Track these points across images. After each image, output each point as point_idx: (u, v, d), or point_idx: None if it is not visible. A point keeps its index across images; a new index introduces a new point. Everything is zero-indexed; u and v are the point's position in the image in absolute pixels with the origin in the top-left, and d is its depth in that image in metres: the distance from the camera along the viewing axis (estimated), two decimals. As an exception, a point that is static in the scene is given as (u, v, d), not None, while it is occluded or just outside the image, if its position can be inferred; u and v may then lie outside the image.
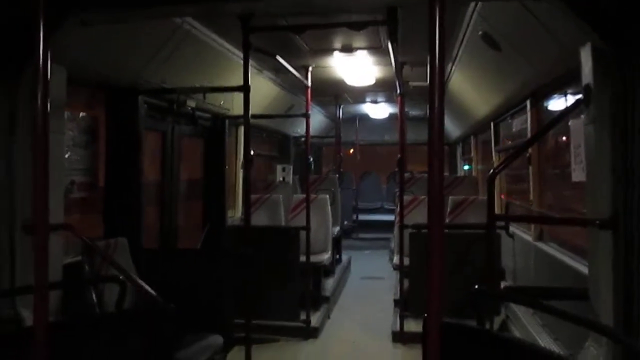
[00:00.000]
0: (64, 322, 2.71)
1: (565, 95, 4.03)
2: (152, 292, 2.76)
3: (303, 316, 5.63)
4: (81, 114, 3.80)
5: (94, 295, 3.19)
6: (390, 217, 10.35)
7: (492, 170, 3.07)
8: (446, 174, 10.55)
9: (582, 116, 2.80)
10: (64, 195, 3.30)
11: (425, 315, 1.33)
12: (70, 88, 3.31)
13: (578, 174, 3.09)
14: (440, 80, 1.30)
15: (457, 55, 4.98)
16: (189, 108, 4.85)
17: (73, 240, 3.44)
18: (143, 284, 2.84)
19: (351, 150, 13.39)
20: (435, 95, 1.29)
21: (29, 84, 2.77)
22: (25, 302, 2.73)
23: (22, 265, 2.76)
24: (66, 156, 3.51)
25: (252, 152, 4.17)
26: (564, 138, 4.00)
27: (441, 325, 1.32)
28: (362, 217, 12.40)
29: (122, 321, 2.66)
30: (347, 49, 5.27)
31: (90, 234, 3.79)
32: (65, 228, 2.98)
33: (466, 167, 10.04)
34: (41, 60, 1.55)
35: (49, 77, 1.55)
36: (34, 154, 1.55)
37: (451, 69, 5.63)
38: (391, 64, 4.78)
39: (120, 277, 2.83)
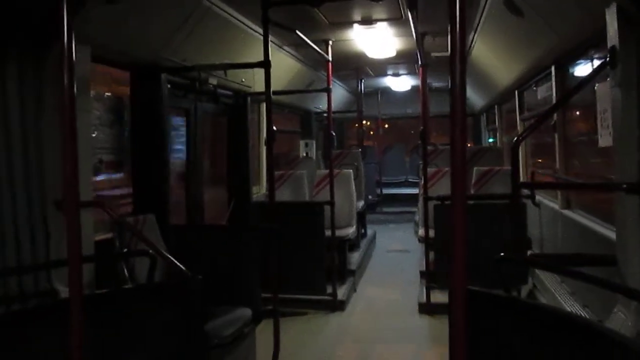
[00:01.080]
0: (97, 294, 2.80)
1: (592, 60, 3.93)
2: (180, 265, 2.82)
3: (329, 290, 5.70)
4: (106, 94, 3.86)
5: (125, 270, 3.28)
6: (414, 190, 10.33)
7: (516, 138, 3.04)
8: (470, 145, 10.44)
9: (608, 79, 2.74)
10: (93, 172, 3.38)
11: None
12: (95, 67, 3.37)
13: (605, 140, 3.04)
14: (461, 50, 1.28)
15: (478, 23, 4.88)
16: (211, 86, 4.88)
17: (103, 218, 3.53)
18: (171, 257, 2.90)
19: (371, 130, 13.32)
20: (457, 65, 1.28)
21: (55, 64, 2.83)
22: (59, 276, 2.83)
23: (56, 240, 2.85)
24: (93, 135, 3.58)
25: (274, 128, 4.19)
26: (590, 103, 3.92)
27: (466, 293, 1.34)
28: (386, 190, 12.38)
29: (153, 293, 2.74)
30: (367, 21, 5.21)
31: (119, 211, 3.88)
32: (96, 205, 3.06)
33: (490, 140, 9.90)
34: (65, 39, 1.58)
35: (74, 56, 1.59)
36: (62, 132, 1.59)
37: (473, 38, 5.53)
38: (412, 35, 4.73)
39: (150, 251, 2.90)
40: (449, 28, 1.28)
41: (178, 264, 2.86)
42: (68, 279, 1.66)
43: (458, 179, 1.31)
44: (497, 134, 8.60)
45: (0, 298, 2.58)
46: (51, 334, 2.12)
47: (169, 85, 4.30)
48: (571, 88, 3.68)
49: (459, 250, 1.31)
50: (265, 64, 3.80)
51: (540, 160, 6.12)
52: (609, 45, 2.56)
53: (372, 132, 14.22)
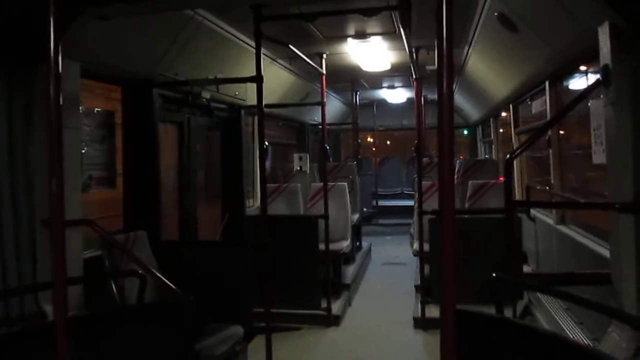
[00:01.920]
0: (85, 315, 2.75)
1: (586, 75, 3.93)
2: (171, 285, 2.78)
3: (324, 304, 5.64)
4: (97, 109, 3.82)
5: (114, 289, 3.24)
6: (410, 202, 10.29)
7: (509, 155, 3.01)
8: (462, 157, 10.44)
9: (602, 97, 2.73)
10: (82, 190, 3.34)
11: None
12: (86, 82, 3.34)
13: (599, 157, 3.02)
14: (448, 64, 1.27)
15: (473, 37, 4.89)
16: (204, 99, 4.86)
17: (92, 235, 3.49)
18: (162, 277, 2.86)
19: (369, 139, 13.32)
20: (444, 80, 1.27)
21: (44, 80, 2.80)
22: (47, 297, 2.78)
23: (43, 260, 2.80)
24: (83, 151, 3.54)
25: (266, 143, 4.16)
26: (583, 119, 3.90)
27: (457, 312, 1.31)
28: (382, 202, 12.35)
29: (143, 314, 2.69)
30: (361, 35, 5.21)
31: (110, 228, 3.83)
32: (84, 223, 3.02)
33: (488, 156, 9.90)
34: (52, 55, 1.55)
35: (60, 72, 1.56)
36: (49, 150, 1.57)
37: (468, 52, 5.54)
38: (406, 49, 4.72)
39: (140, 272, 2.86)
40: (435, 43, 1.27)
41: (169, 283, 2.81)
42: (53, 300, 1.62)
43: (447, 192, 1.28)
44: (493, 147, 8.60)
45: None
46: (39, 358, 2.07)
47: (161, 100, 4.28)
48: (565, 104, 3.67)
49: (449, 266, 1.28)
50: (258, 79, 3.78)
51: (535, 176, 6.11)
52: (602, 63, 2.54)
53: (369, 140, 14.18)
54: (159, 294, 3.50)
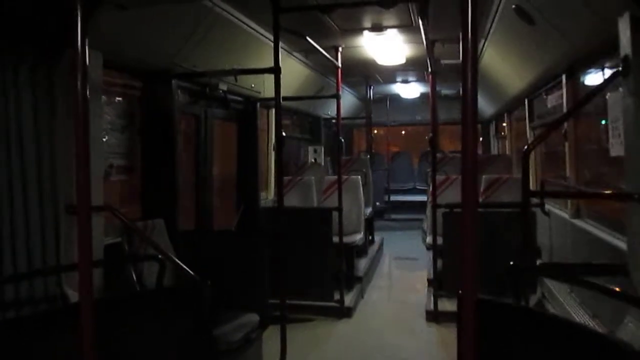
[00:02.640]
0: (106, 299, 2.81)
1: (603, 69, 3.92)
2: (189, 270, 2.83)
3: (337, 296, 5.68)
4: (117, 99, 3.88)
5: (134, 274, 3.30)
6: (423, 198, 10.30)
7: (526, 146, 3.02)
8: (479, 152, 10.40)
9: (620, 89, 2.73)
10: (104, 177, 3.40)
11: (460, 292, 1.34)
12: (106, 72, 3.40)
13: (616, 149, 3.02)
14: (473, 57, 1.29)
15: (489, 30, 4.88)
16: (221, 91, 4.90)
17: (112, 223, 3.55)
18: (179, 262, 2.91)
19: (382, 133, 13.30)
20: (469, 72, 1.28)
21: (67, 70, 2.86)
22: (69, 280, 2.84)
23: (66, 244, 2.86)
24: (104, 140, 3.60)
25: (283, 134, 4.20)
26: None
27: (476, 302, 1.33)
28: (394, 197, 12.35)
29: (162, 298, 2.74)
30: (377, 27, 5.21)
31: (128, 216, 3.89)
32: (107, 209, 3.08)
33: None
34: (79, 44, 1.60)
35: (87, 61, 1.60)
36: (75, 137, 1.61)
37: (483, 45, 5.52)
38: (422, 42, 4.73)
39: (159, 256, 2.91)
40: (460, 35, 1.28)
41: (187, 268, 2.86)
42: (79, 283, 1.67)
43: (469, 185, 1.30)
44: (507, 142, 8.57)
45: (11, 302, 2.60)
46: (61, 339, 2.12)
47: (179, 91, 4.32)
48: (582, 97, 3.66)
49: (468, 257, 1.30)
50: (276, 70, 3.81)
51: (549, 172, 6.09)
52: (622, 54, 2.55)
53: (382, 134, 14.17)
54: (177, 280, 3.56)
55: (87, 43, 1.60)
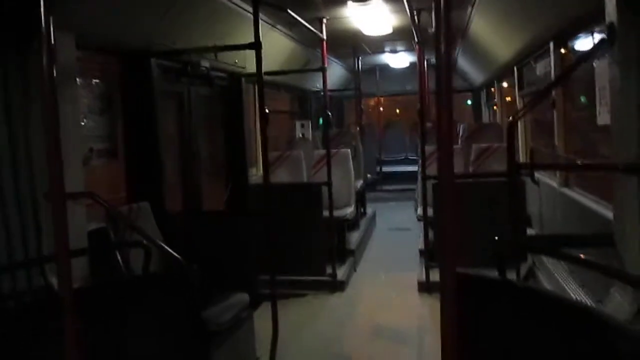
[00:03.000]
0: (91, 287, 2.78)
1: (593, 36, 3.84)
2: (175, 254, 2.79)
3: (329, 270, 5.69)
4: (95, 81, 3.79)
5: (120, 260, 3.26)
6: (414, 168, 10.27)
7: (512, 117, 2.98)
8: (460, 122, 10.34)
9: (607, 57, 2.67)
10: (83, 163, 3.33)
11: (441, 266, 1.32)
12: (82, 54, 3.30)
13: (603, 117, 2.98)
14: (447, 27, 1.24)
15: (476, -3, 4.78)
16: (203, 68, 4.80)
17: (96, 208, 3.50)
18: (166, 247, 2.87)
19: (372, 104, 13.20)
20: (442, 42, 1.24)
21: (39, 54, 2.77)
22: (53, 270, 2.80)
23: (48, 234, 2.82)
24: (82, 124, 3.52)
25: (267, 110, 4.12)
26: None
27: (457, 276, 1.30)
28: (386, 168, 12.33)
29: (148, 284, 2.72)
30: (361, -2, 5.11)
31: (113, 200, 3.84)
32: (86, 196, 3.02)
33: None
34: (44, 24, 1.53)
35: (53, 43, 1.54)
36: (44, 122, 1.56)
37: (471, 13, 5.42)
38: (407, 11, 4.63)
39: (144, 242, 2.87)
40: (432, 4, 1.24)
41: (173, 253, 2.82)
42: (57, 273, 1.63)
43: (445, 156, 1.27)
44: (497, 110, 8.51)
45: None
46: (48, 329, 2.10)
47: (159, 70, 4.22)
48: (570, 64, 3.60)
49: (448, 229, 1.28)
50: (256, 45, 3.72)
51: (539, 140, 6.05)
52: (607, 21, 2.49)
53: (373, 105, 14.06)
54: (164, 264, 3.53)
55: (53, 25, 1.54)
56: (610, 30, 2.45)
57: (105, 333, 2.35)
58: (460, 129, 7.92)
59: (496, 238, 2.33)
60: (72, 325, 1.62)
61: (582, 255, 2.23)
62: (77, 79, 3.29)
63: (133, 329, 2.49)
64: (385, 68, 11.36)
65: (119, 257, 3.27)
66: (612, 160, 2.72)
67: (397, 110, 15.61)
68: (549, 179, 4.86)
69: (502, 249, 2.49)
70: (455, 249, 1.29)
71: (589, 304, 3.32)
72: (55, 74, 1.54)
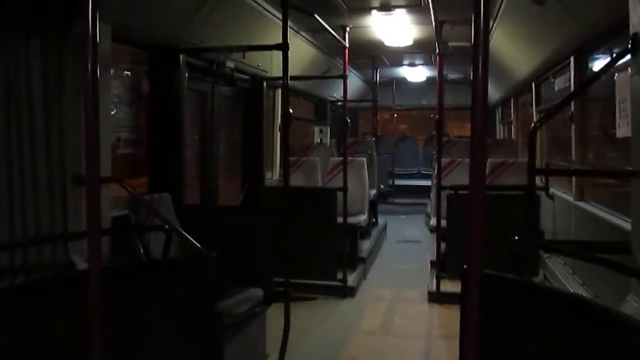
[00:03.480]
0: (113, 267, 2.84)
1: (611, 52, 3.89)
2: (194, 242, 2.85)
3: (340, 276, 5.72)
4: (126, 73, 3.89)
5: (140, 246, 3.33)
6: (427, 182, 10.32)
7: (533, 124, 3.03)
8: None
9: (629, 69, 2.72)
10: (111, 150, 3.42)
11: (465, 266, 1.36)
12: (114, 46, 3.40)
13: (623, 130, 3.01)
14: (485, 39, 1.28)
15: (498, 11, 4.85)
16: (228, 69, 4.90)
17: (119, 195, 3.58)
18: (185, 234, 2.93)
19: (387, 117, 13.26)
20: (480, 53, 1.28)
21: (76, 42, 2.86)
22: (76, 249, 2.88)
23: (74, 214, 2.89)
24: (112, 113, 3.62)
25: (290, 111, 4.19)
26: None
27: (481, 275, 1.34)
28: (399, 182, 12.37)
29: (167, 268, 2.77)
30: (386, 7, 5.20)
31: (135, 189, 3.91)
32: (116, 181, 3.10)
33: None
34: (90, 16, 1.60)
35: (97, 34, 1.61)
36: (85, 110, 1.62)
37: (492, 27, 5.49)
38: (431, 22, 4.71)
39: (166, 227, 2.94)
40: (472, 17, 1.28)
41: (193, 240, 2.88)
42: (87, 250, 1.69)
43: (477, 165, 1.32)
44: (513, 127, 8.55)
45: (20, 268, 2.64)
46: (68, 305, 2.16)
47: (187, 67, 4.32)
48: (590, 75, 3.64)
49: (475, 232, 1.32)
50: (284, 46, 3.80)
51: (557, 156, 6.08)
52: (631, 32, 2.54)
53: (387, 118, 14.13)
54: (183, 253, 3.59)
55: (97, 15, 1.61)
56: (634, 40, 2.50)
57: (122, 312, 2.40)
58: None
59: (516, 238, 2.37)
60: (96, 302, 1.68)
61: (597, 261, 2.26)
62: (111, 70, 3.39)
63: (149, 312, 2.54)
64: (402, 82, 11.46)
65: (139, 243, 3.34)
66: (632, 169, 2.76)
67: (411, 125, 15.69)
68: (563, 194, 4.89)
69: (519, 250, 2.53)
70: (480, 247, 1.33)
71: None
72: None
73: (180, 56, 4.16)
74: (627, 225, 3.01)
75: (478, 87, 1.29)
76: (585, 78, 4.25)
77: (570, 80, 4.56)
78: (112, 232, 3.27)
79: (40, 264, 2.70)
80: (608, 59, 3.94)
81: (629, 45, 2.54)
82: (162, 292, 2.62)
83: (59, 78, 2.86)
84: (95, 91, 1.61)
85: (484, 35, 1.28)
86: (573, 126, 4.55)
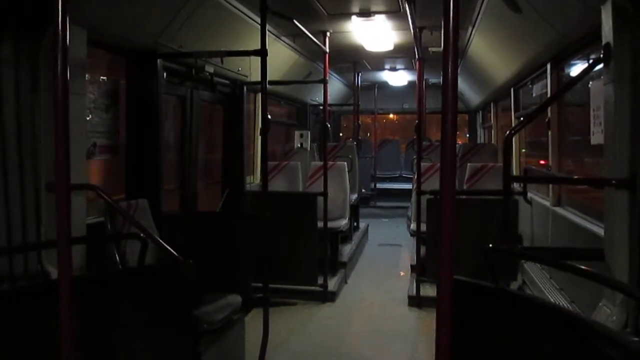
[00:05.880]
0: (86, 276, 2.81)
1: (588, 59, 3.95)
2: (171, 249, 2.82)
3: (320, 280, 5.72)
4: (102, 78, 3.84)
5: (116, 254, 3.29)
6: (409, 186, 10.35)
7: (508, 132, 3.05)
8: (461, 142, 10.46)
9: (602, 77, 2.76)
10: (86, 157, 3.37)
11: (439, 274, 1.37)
12: (90, 51, 3.36)
13: (597, 137, 3.05)
14: (454, 43, 1.29)
15: (477, 19, 4.89)
16: (207, 73, 4.86)
17: (95, 202, 3.54)
18: (161, 241, 2.90)
19: (369, 121, 13.31)
20: (449, 59, 1.29)
21: (50, 46, 2.82)
22: (50, 258, 2.83)
23: (47, 223, 2.85)
24: (87, 119, 3.57)
25: (269, 117, 4.18)
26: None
27: (454, 282, 1.35)
28: (380, 185, 12.41)
29: (143, 276, 2.74)
30: (365, 13, 5.21)
31: (112, 196, 3.86)
32: (88, 188, 3.06)
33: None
34: (60, 20, 1.58)
35: (67, 38, 1.59)
36: (55, 115, 1.59)
37: (471, 34, 5.54)
38: (410, 28, 4.73)
39: (141, 235, 2.90)
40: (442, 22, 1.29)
41: (168, 247, 2.85)
42: (57, 259, 1.67)
43: (447, 171, 1.32)
44: (492, 131, 8.63)
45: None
46: (41, 314, 2.12)
47: (165, 72, 4.29)
48: (566, 82, 3.69)
49: (446, 240, 1.32)
50: (262, 52, 3.80)
51: (533, 160, 6.15)
52: (604, 41, 2.57)
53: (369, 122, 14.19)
54: (159, 261, 3.56)
55: (67, 18, 1.58)
56: (606, 50, 2.54)
57: (97, 322, 2.37)
58: (456, 149, 8.02)
59: (490, 245, 2.38)
60: (67, 311, 1.65)
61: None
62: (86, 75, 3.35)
63: (124, 320, 2.51)
64: (383, 86, 11.50)
65: (115, 250, 3.30)
66: (604, 176, 2.79)
67: (393, 129, 15.76)
68: (541, 199, 4.94)
69: (495, 258, 2.55)
70: (452, 256, 1.34)
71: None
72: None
73: (158, 61, 4.13)
74: (602, 231, 3.05)
75: (448, 94, 1.30)
76: (561, 85, 4.30)
77: (547, 86, 4.62)
78: (87, 239, 3.22)
79: (12, 274, 2.65)
80: (584, 66, 4.01)
81: (602, 55, 2.58)
82: (138, 300, 2.59)
83: (32, 83, 2.82)
84: (65, 95, 1.59)
85: (453, 45, 1.29)
86: (550, 132, 4.60)
